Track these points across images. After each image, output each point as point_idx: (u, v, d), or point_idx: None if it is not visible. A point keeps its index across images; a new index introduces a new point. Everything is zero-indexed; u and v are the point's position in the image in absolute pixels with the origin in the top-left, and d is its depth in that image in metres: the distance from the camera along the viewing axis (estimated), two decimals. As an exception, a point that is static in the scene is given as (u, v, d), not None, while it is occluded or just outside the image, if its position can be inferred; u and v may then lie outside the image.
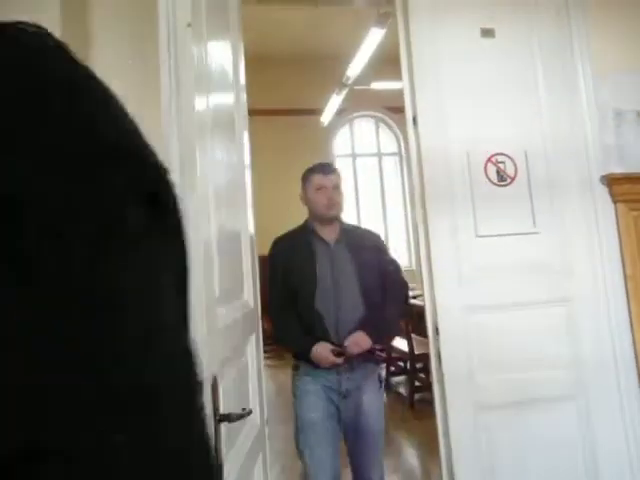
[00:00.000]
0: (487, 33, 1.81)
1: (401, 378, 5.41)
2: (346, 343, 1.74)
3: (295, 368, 1.87)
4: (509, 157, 1.81)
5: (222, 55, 1.40)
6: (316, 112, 7.47)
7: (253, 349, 1.51)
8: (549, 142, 1.83)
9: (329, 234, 1.86)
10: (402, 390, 5.15)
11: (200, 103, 1.10)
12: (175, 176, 1.04)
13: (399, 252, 9.07)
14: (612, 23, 1.89)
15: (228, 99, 1.47)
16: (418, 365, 4.72)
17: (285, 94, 7.29)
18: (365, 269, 1.81)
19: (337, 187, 1.85)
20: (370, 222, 9.08)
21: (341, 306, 1.78)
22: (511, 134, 1.82)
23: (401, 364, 5.47)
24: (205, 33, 1.17)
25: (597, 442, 1.78)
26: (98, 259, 0.22)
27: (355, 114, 8.81)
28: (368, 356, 1.82)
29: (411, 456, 3.51)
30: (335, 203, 1.82)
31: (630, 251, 1.81)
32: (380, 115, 9.03)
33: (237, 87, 1.53)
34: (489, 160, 1.80)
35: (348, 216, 9.42)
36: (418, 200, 1.79)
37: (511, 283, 1.79)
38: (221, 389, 1.09)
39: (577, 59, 1.85)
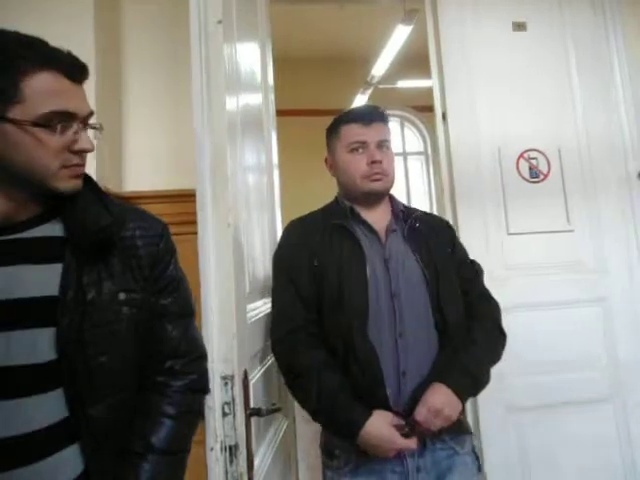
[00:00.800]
0: (519, 27, 1.77)
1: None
2: (419, 415, 1.04)
3: (329, 455, 1.15)
4: (542, 153, 1.76)
5: (251, 54, 1.41)
6: (340, 112, 7.44)
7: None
8: (583, 138, 1.78)
9: (377, 219, 1.17)
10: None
11: (230, 102, 1.11)
12: (206, 174, 1.05)
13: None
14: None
15: (257, 99, 1.47)
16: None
17: (310, 94, 7.28)
18: (440, 275, 1.13)
19: (385, 144, 1.19)
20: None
21: (407, 340, 1.09)
22: (544, 130, 1.77)
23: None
24: (235, 31, 1.18)
25: (635, 443, 1.72)
26: None
27: (380, 113, 8.73)
28: (454, 425, 1.09)
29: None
30: (383, 169, 1.16)
31: (669, 249, 1.74)
32: (405, 114, 8.95)
33: (265, 87, 1.53)
34: (521, 156, 1.76)
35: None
36: (447, 198, 1.77)
37: (544, 282, 1.74)
38: (251, 384, 1.10)
39: (613, 53, 1.80)
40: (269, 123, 1.56)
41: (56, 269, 0.76)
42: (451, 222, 1.76)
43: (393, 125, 9.07)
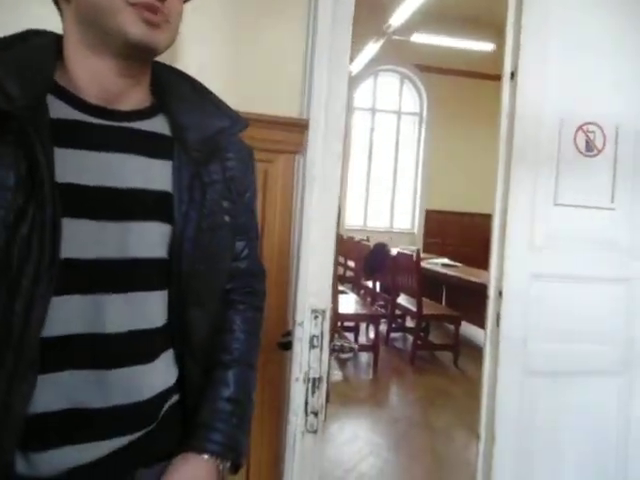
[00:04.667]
0: (604, -9, 1.70)
1: (398, 334, 5.55)
2: None
3: None
4: (600, 127, 1.75)
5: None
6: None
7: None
8: (641, 119, 1.77)
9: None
10: (399, 345, 5.30)
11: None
12: (321, 103, 0.97)
13: (403, 214, 9.08)
14: None
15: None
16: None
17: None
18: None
19: None
20: (380, 180, 9.02)
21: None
22: (605, 105, 1.75)
23: (400, 321, 5.61)
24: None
25: (633, 417, 1.84)
26: None
27: (382, 67, 8.52)
28: None
29: (412, 407, 3.65)
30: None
31: (699, 239, 1.81)
32: (406, 71, 8.75)
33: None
34: (580, 128, 1.74)
35: (357, 172, 9.33)
36: (501, 161, 1.74)
37: (579, 256, 1.78)
38: (333, 321, 1.08)
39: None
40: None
41: (166, 166, 0.72)
42: (502, 187, 1.76)
43: (392, 81, 8.88)
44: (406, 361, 4.62)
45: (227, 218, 0.77)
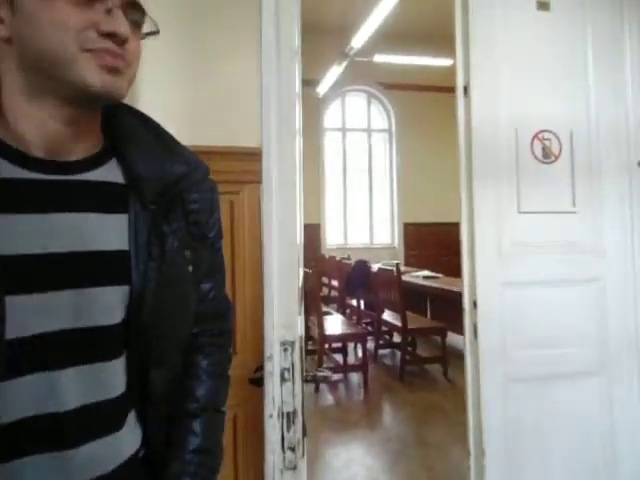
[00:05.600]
0: (543, 6, 1.78)
1: (386, 351, 5.52)
2: None
3: None
4: (555, 135, 1.81)
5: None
6: (312, 83, 7.31)
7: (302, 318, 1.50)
8: (594, 122, 1.84)
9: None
10: (388, 362, 5.26)
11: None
12: (272, 131, 0.98)
13: (382, 229, 9.15)
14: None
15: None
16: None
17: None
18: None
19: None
20: (356, 198, 9.09)
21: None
22: (558, 112, 1.81)
23: (387, 337, 5.58)
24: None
25: (615, 416, 1.85)
26: None
27: (348, 87, 8.68)
28: None
29: (404, 426, 3.61)
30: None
31: (661, 235, 1.86)
32: (372, 90, 8.93)
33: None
34: (536, 136, 1.79)
35: (333, 191, 9.44)
36: (463, 174, 1.78)
37: (546, 261, 1.81)
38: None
39: (626, 41, 1.85)
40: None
41: (121, 221, 0.67)
42: (466, 199, 1.79)
43: (360, 100, 9.04)
44: (396, 377, 4.59)
45: (190, 268, 0.72)
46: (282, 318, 1.02)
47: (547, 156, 1.80)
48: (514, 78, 1.77)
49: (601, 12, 1.84)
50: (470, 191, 1.75)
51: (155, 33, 0.66)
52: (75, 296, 0.61)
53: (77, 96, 0.60)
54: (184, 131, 0.89)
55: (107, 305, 0.64)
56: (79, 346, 0.62)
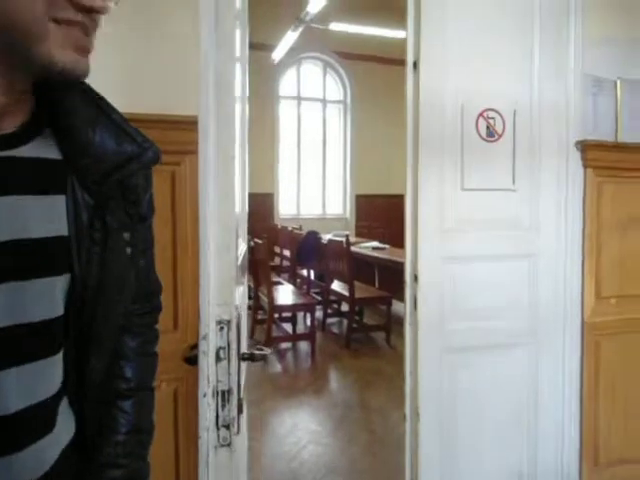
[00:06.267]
0: (493, -17, 1.77)
1: (335, 320, 5.64)
2: None
3: None
4: (499, 113, 1.84)
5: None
6: (268, 48, 7.07)
7: (245, 289, 1.48)
8: (536, 103, 1.89)
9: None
10: (336, 330, 5.38)
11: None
12: (210, 104, 0.93)
13: (334, 200, 9.18)
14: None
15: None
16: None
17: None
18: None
19: None
20: (310, 168, 9.03)
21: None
22: (503, 91, 1.85)
23: (335, 306, 5.69)
24: None
25: (541, 381, 1.99)
26: None
27: (304, 55, 8.46)
28: None
29: (349, 391, 3.73)
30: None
31: (591, 213, 1.96)
32: (329, 59, 8.76)
33: (243, 14, 1.39)
34: (481, 115, 1.82)
35: (287, 160, 9.31)
36: (410, 149, 1.79)
37: (486, 236, 1.88)
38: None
39: (571, 26, 1.89)
40: (245, 51, 1.44)
41: (59, 202, 0.60)
42: (411, 174, 1.81)
43: (316, 69, 8.85)
44: (342, 345, 4.71)
45: (128, 250, 0.68)
46: (218, 296, 0.99)
47: (491, 135, 1.84)
48: (463, 56, 1.78)
49: (548, -7, 1.86)
50: (416, 167, 1.77)
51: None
52: (12, 290, 0.55)
53: (37, 70, 0.53)
54: (120, 99, 0.82)
55: (48, 297, 0.59)
56: (20, 344, 0.57)
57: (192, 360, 0.95)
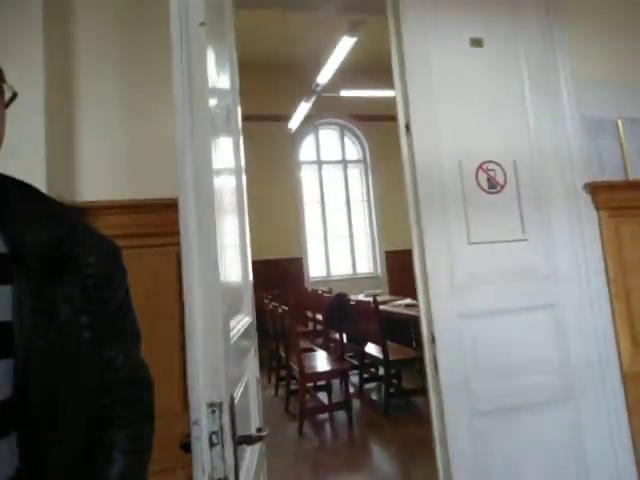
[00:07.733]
0: (476, 43, 1.84)
1: (373, 385, 5.41)
2: None
3: None
4: (499, 165, 1.84)
5: (220, 59, 1.35)
6: (284, 118, 7.44)
7: (253, 365, 1.46)
8: (535, 150, 1.88)
9: None
10: (374, 397, 5.15)
11: (211, 106, 1.04)
12: (189, 188, 0.98)
13: (364, 259, 9.15)
14: (592, 38, 1.97)
15: (226, 103, 1.42)
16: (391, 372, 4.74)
17: (255, 100, 7.24)
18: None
19: None
20: (336, 229, 9.12)
21: None
22: (500, 143, 1.85)
23: (373, 370, 5.49)
24: (211, 36, 1.13)
25: (586, 442, 1.82)
26: None
27: (321, 121, 8.84)
28: None
29: (391, 465, 3.50)
30: None
31: (612, 256, 1.87)
32: (345, 123, 9.11)
33: (234, 91, 1.48)
34: (480, 167, 1.82)
35: (313, 223, 9.47)
36: (411, 209, 1.79)
37: (501, 289, 1.81)
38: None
39: (560, 71, 1.92)
40: (237, 126, 1.52)
41: (6, 291, 0.65)
42: (415, 233, 1.80)
43: (333, 133, 9.20)
44: (381, 413, 4.48)
45: (87, 334, 0.70)
46: (208, 377, 0.98)
47: (493, 186, 1.83)
48: (453, 113, 1.81)
49: (533, 44, 1.91)
50: (419, 224, 1.76)
51: (14, 97, 0.67)
52: None
53: None
54: (104, 185, 0.87)
55: None
56: None
57: (188, 447, 0.93)
